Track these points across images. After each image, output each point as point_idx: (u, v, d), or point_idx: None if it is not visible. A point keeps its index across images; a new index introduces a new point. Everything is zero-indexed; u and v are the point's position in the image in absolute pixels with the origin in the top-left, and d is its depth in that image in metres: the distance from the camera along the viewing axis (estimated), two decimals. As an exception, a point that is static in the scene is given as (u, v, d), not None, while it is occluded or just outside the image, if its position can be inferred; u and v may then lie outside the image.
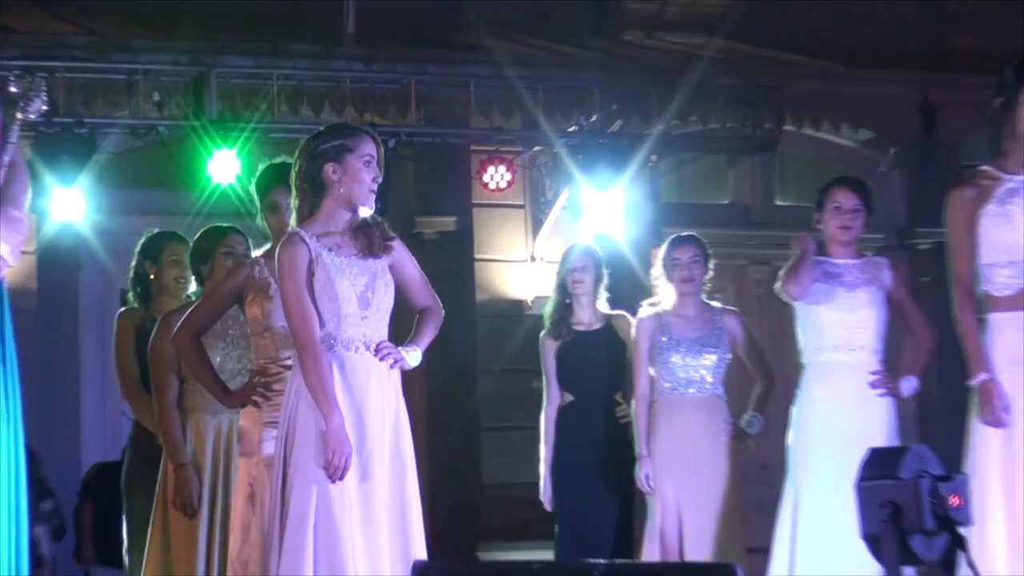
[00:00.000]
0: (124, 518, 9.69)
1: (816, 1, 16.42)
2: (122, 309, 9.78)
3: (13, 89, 4.94)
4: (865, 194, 8.66)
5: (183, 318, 8.16)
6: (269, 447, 7.59)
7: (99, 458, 12.74)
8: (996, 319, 7.33)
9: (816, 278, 8.42)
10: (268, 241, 8.13)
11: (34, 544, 11.22)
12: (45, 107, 5.11)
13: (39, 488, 11.94)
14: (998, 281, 7.35)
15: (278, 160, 8.48)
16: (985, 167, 7.54)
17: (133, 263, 9.63)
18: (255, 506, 7.82)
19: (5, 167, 4.91)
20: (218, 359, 8.36)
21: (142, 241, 9.56)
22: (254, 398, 7.85)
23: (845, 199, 8.54)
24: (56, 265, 13.66)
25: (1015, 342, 7.26)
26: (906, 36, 17.02)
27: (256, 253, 8.29)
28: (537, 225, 15.37)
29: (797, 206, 12.41)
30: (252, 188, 8.54)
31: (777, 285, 8.54)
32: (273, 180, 8.04)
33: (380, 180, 7.01)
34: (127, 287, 9.84)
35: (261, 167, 8.59)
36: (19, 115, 4.93)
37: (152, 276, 9.39)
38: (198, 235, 8.97)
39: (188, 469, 8.58)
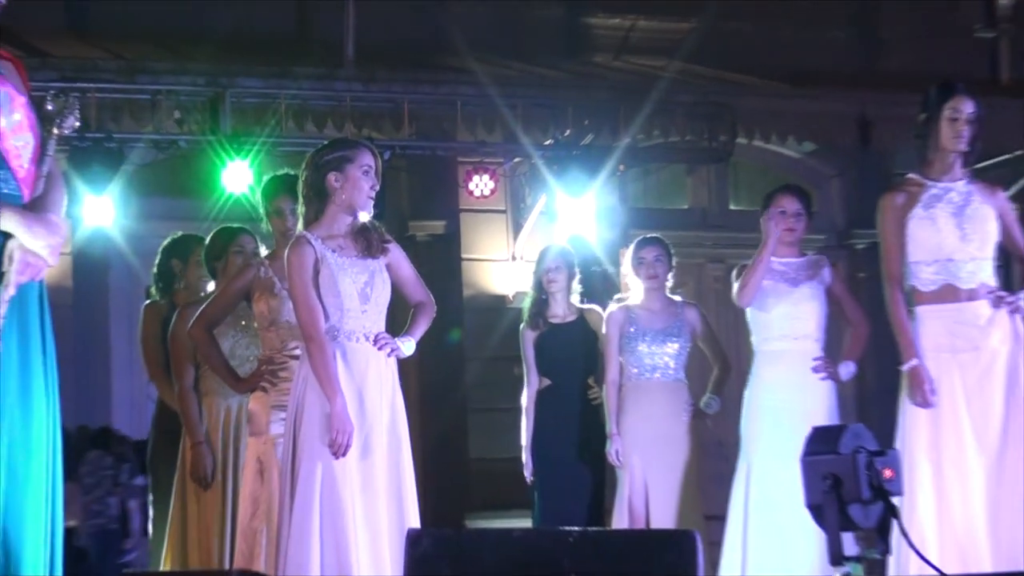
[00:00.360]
0: (150, 489, 9.74)
1: (764, 28, 16.43)
2: (147, 302, 9.80)
3: (49, 107, 4.92)
4: (806, 200, 8.71)
5: (198, 313, 8.24)
6: (276, 427, 7.64)
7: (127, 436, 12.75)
8: (922, 311, 7.39)
9: (763, 277, 8.48)
10: (273, 243, 8.23)
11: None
12: (77, 123, 5.08)
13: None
14: (924, 277, 7.42)
15: (282, 171, 8.54)
16: (912, 175, 7.61)
17: (157, 261, 9.66)
18: (263, 480, 7.86)
19: (44, 177, 4.90)
20: (228, 345, 8.39)
21: (168, 242, 9.59)
22: (262, 384, 7.93)
23: (789, 204, 8.59)
24: (89, 265, 13.65)
25: (939, 332, 7.33)
26: (844, 59, 17.00)
27: (262, 254, 8.36)
28: (517, 228, 15.35)
29: (749, 210, 12.39)
30: (259, 195, 8.61)
31: (733, 292, 8.61)
32: (278, 189, 8.12)
33: (377, 188, 7.05)
34: (151, 283, 9.88)
35: (266, 177, 8.64)
36: (55, 131, 4.91)
37: (177, 273, 9.44)
38: (211, 235, 9.02)
39: (203, 447, 8.64)
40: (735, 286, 8.57)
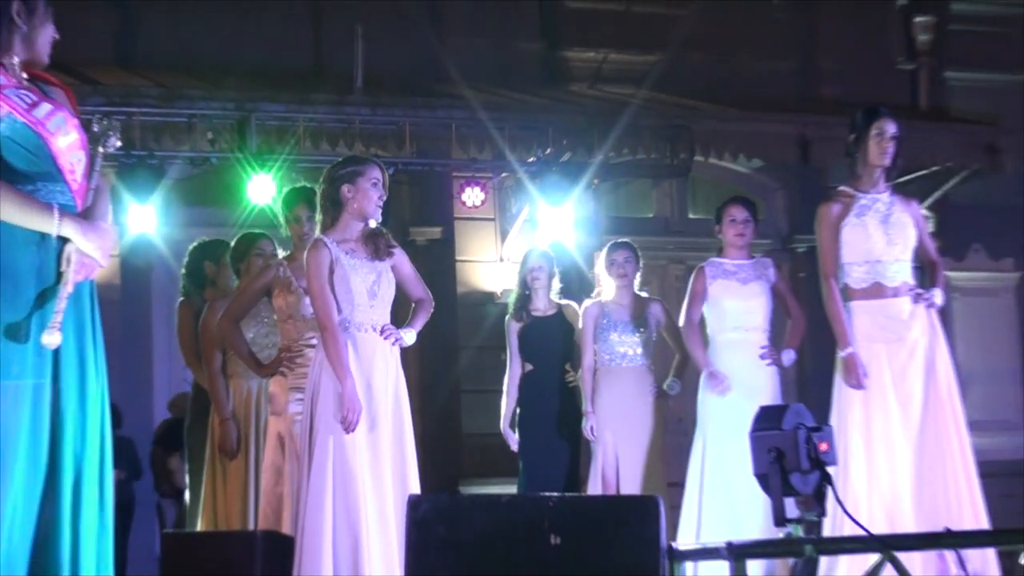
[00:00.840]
0: (186, 461, 9.76)
1: (717, 60, 16.44)
2: (181, 299, 9.86)
3: (95, 128, 4.91)
4: (753, 209, 8.74)
5: (225, 307, 8.33)
6: (294, 407, 7.69)
7: (166, 416, 12.74)
8: (854, 306, 7.43)
9: (717, 275, 8.51)
10: (291, 246, 8.30)
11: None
12: (119, 143, 5.06)
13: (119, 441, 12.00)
14: (856, 277, 7.46)
15: (300, 184, 8.59)
16: (844, 188, 7.64)
17: (187, 262, 9.72)
18: (284, 453, 7.87)
19: (93, 190, 4.90)
20: (251, 335, 8.42)
21: (197, 245, 9.63)
22: (281, 369, 7.99)
23: (738, 213, 8.62)
24: (134, 265, 13.62)
25: (869, 324, 7.37)
26: (786, 87, 17.02)
27: (280, 255, 8.40)
28: (504, 234, 15.34)
29: (705, 218, 12.39)
30: (279, 205, 8.65)
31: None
32: (296, 199, 8.19)
33: (384, 198, 7.08)
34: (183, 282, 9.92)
35: (286, 189, 8.70)
36: (101, 149, 4.91)
37: (207, 273, 9.48)
38: (236, 240, 9.06)
39: (229, 423, 8.70)
40: (689, 293, 8.63)
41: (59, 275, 4.69)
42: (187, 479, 9.71)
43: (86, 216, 4.80)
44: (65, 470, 4.71)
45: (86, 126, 4.92)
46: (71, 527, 4.71)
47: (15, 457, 4.62)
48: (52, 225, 4.66)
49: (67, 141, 4.79)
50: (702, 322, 8.73)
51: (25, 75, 4.84)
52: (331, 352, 6.81)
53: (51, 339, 4.59)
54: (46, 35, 4.91)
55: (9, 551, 4.62)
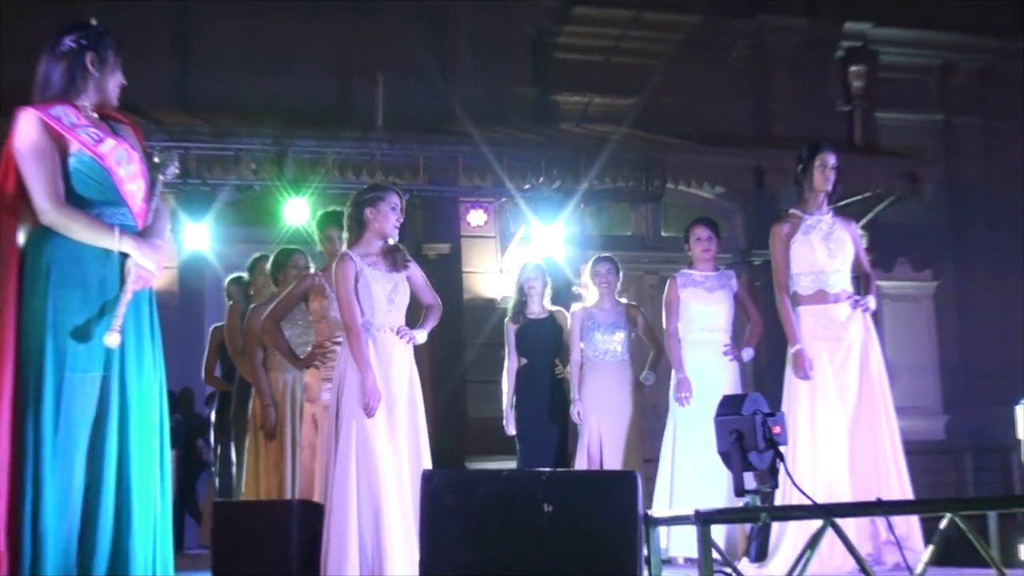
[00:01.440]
0: (232, 440, 9.79)
1: (685, 103, 16.48)
2: (229, 304, 9.98)
3: (156, 159, 4.93)
4: (715, 228, 8.72)
5: (268, 310, 8.37)
6: (325, 395, 7.70)
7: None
8: (802, 310, 7.41)
9: (687, 284, 8.49)
10: (323, 260, 8.34)
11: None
12: (177, 171, 5.09)
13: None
14: (803, 285, 7.43)
15: (330, 208, 8.58)
16: (793, 210, 7.62)
17: (232, 278, 9.81)
18: (318, 434, 7.88)
19: (153, 212, 4.90)
20: (289, 334, 8.39)
21: (251, 261, 9.67)
22: (315, 363, 8.02)
23: (702, 232, 8.59)
24: (189, 276, 13.62)
25: (814, 325, 7.35)
26: (744, 126, 17.06)
27: (313, 269, 8.45)
28: (503, 249, 15.32)
29: (675, 236, 12.36)
30: (313, 225, 8.70)
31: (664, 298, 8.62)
32: (327, 221, 8.26)
33: (401, 220, 7.10)
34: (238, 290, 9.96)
35: (319, 212, 8.72)
36: (161, 176, 4.93)
37: (250, 282, 9.55)
38: (274, 254, 9.11)
39: (269, 408, 8.71)
40: (665, 303, 8.60)
41: (121, 285, 4.71)
42: (232, 456, 9.72)
43: (145, 234, 4.83)
44: (129, 451, 4.72)
45: (148, 158, 4.94)
46: (130, 502, 4.69)
47: (84, 439, 4.61)
48: (113, 243, 4.70)
49: (128, 172, 4.82)
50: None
51: (96, 115, 4.85)
52: (355, 349, 6.82)
53: (111, 340, 4.63)
54: (115, 81, 4.94)
55: (71, 524, 4.60)
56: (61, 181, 4.67)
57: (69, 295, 4.64)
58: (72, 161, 4.70)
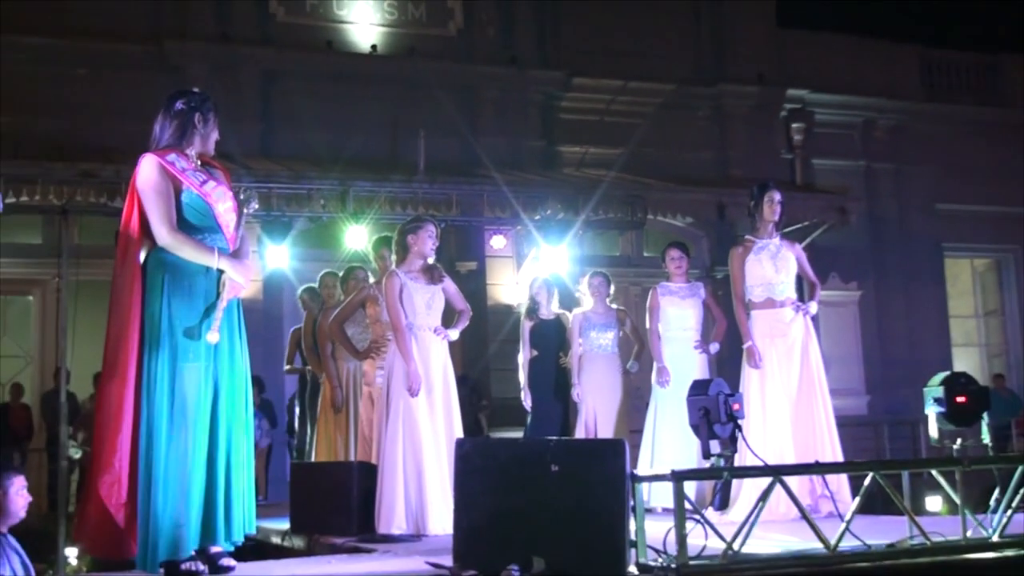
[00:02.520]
0: (308, 416, 9.75)
1: (662, 151, 16.50)
2: (304, 309, 9.96)
3: (240, 197, 4.97)
4: (685, 249, 8.64)
5: (334, 315, 8.38)
6: (379, 380, 7.66)
7: (293, 389, 12.70)
8: (754, 314, 7.34)
9: (665, 294, 8.44)
10: (377, 275, 8.29)
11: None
12: (256, 206, 5.18)
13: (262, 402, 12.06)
14: (755, 294, 7.37)
15: (383, 235, 8.59)
16: (748, 236, 7.56)
17: (305, 288, 9.79)
18: (374, 410, 7.87)
19: (240, 237, 4.93)
20: (351, 332, 8.36)
21: (322, 275, 9.64)
22: (371, 354, 8.01)
23: (675, 253, 8.53)
24: (271, 288, 13.64)
25: (764, 326, 7.30)
26: (708, 168, 17.09)
27: (371, 281, 8.39)
28: (519, 267, 15.35)
29: (654, 256, 12.35)
30: (369, 248, 8.72)
31: (646, 306, 8.57)
32: (380, 244, 8.31)
33: (437, 244, 7.10)
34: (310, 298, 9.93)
35: (374, 238, 8.71)
36: (245, 210, 4.96)
37: (320, 293, 9.53)
38: (343, 272, 9.05)
39: (337, 389, 8.75)
40: (648, 309, 8.54)
41: (218, 294, 4.75)
42: (308, 428, 9.69)
43: (235, 255, 4.91)
44: (220, 429, 4.76)
45: (236, 195, 4.97)
46: (226, 475, 4.71)
47: (193, 415, 4.63)
48: (213, 261, 4.77)
49: (224, 207, 4.89)
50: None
51: (199, 161, 4.87)
52: (400, 344, 6.87)
53: (212, 337, 4.71)
54: (214, 136, 5.02)
55: (189, 498, 4.59)
56: (174, 212, 4.72)
57: (180, 302, 4.70)
58: (183, 197, 4.75)
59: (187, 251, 4.71)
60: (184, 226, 4.74)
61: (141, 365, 4.66)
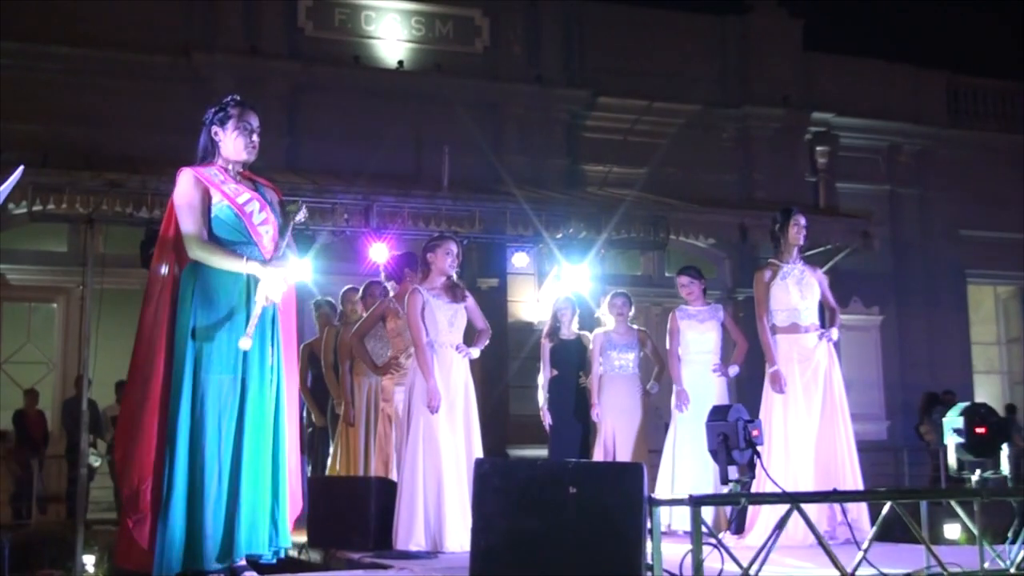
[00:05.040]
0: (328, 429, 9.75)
1: (684, 172, 16.50)
2: (319, 323, 10.01)
3: (288, 208, 5.02)
4: (696, 274, 8.56)
5: (354, 328, 8.37)
6: (398, 396, 7.69)
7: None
8: (779, 338, 7.31)
9: (684, 317, 8.42)
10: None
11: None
12: (306, 216, 5.18)
13: None
14: (780, 318, 7.35)
15: (404, 251, 8.60)
16: (772, 260, 7.54)
17: (318, 302, 9.84)
18: (391, 425, 7.89)
19: (284, 246, 4.95)
20: (371, 347, 8.35)
21: (344, 290, 9.64)
22: (391, 370, 8.01)
23: (684, 280, 8.50)
24: (296, 300, 13.66)
25: (788, 351, 7.27)
26: (731, 191, 17.07)
27: (391, 295, 8.40)
28: (540, 285, 15.35)
29: (675, 277, 12.33)
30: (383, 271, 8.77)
31: (668, 327, 8.55)
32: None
33: (460, 260, 7.16)
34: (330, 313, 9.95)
35: (396, 253, 8.72)
36: (292, 220, 5.02)
37: (342, 307, 9.54)
38: (362, 287, 9.07)
39: (350, 406, 8.73)
40: (668, 332, 8.52)
41: (249, 304, 4.78)
42: (331, 440, 9.69)
43: (270, 264, 4.86)
44: (245, 440, 4.75)
45: (282, 206, 5.03)
46: (240, 482, 4.70)
47: (214, 427, 4.63)
48: (242, 267, 4.78)
49: (259, 218, 4.91)
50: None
51: (239, 175, 4.94)
52: (421, 361, 6.87)
53: (244, 343, 4.72)
54: (242, 140, 4.98)
55: (216, 504, 4.60)
56: (205, 225, 4.76)
57: (208, 314, 4.71)
58: (215, 210, 4.80)
59: (216, 259, 4.74)
60: (216, 238, 4.78)
61: (168, 376, 4.68)
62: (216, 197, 4.79)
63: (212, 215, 4.78)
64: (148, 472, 4.65)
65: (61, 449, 13.55)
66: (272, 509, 4.79)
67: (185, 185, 4.79)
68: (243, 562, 4.71)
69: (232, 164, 4.94)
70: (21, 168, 4.57)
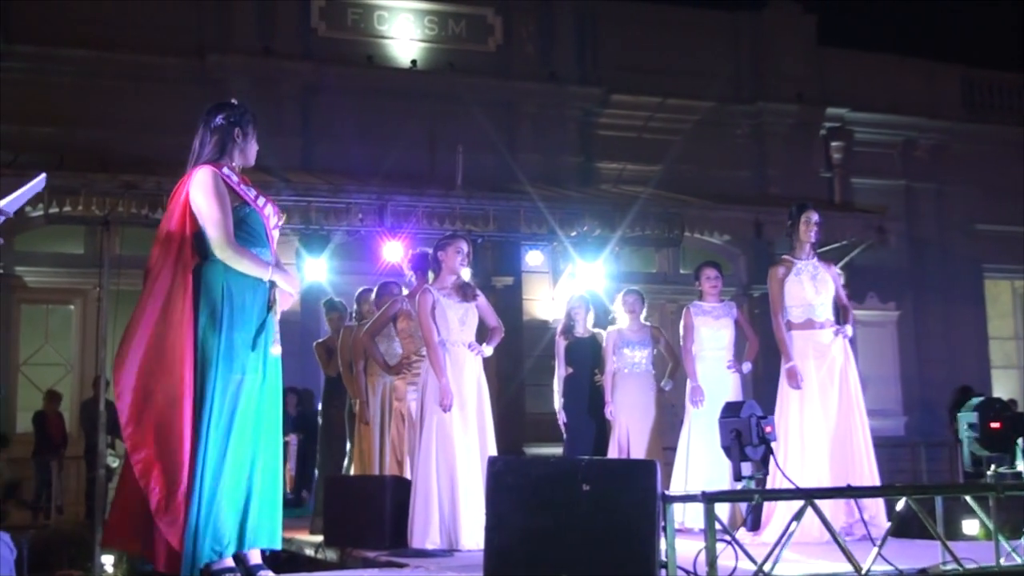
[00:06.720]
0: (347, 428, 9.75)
1: (698, 168, 16.47)
2: (333, 323, 9.93)
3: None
4: (719, 268, 8.62)
5: (366, 328, 8.38)
6: (411, 395, 7.70)
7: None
8: (794, 334, 7.27)
9: (699, 313, 8.41)
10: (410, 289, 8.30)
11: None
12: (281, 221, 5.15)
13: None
14: (795, 315, 7.32)
15: (419, 249, 8.60)
16: (786, 256, 7.52)
17: (327, 304, 9.83)
18: (405, 425, 7.89)
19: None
20: (383, 347, 8.36)
21: (359, 292, 9.65)
22: (403, 370, 8.04)
23: (711, 272, 8.52)
24: (309, 301, 13.64)
25: (804, 347, 7.22)
26: (746, 187, 17.03)
27: (405, 294, 8.41)
28: (555, 283, 15.36)
29: (691, 274, 12.31)
30: (406, 263, 8.73)
31: (680, 327, 8.53)
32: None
33: (470, 259, 7.22)
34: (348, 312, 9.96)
35: (421, 249, 8.72)
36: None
37: (357, 308, 9.53)
38: (376, 287, 9.06)
39: (365, 404, 8.67)
40: (682, 328, 8.51)
41: (269, 307, 4.76)
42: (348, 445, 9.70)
43: (279, 267, 4.85)
44: (261, 439, 4.73)
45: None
46: (261, 483, 4.71)
47: (239, 427, 4.61)
48: (267, 274, 4.74)
49: (273, 222, 4.91)
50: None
51: (241, 178, 4.91)
52: (433, 360, 6.89)
53: (276, 349, 4.74)
54: (253, 149, 4.97)
55: (238, 500, 4.61)
56: (232, 225, 4.69)
57: (233, 314, 4.65)
58: (240, 213, 4.74)
59: (246, 264, 4.66)
60: (238, 240, 4.76)
61: (196, 378, 4.62)
62: (238, 201, 4.76)
63: (237, 217, 4.74)
64: (182, 474, 4.59)
65: (79, 450, 13.60)
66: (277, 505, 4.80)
67: (212, 184, 4.68)
68: (259, 560, 4.71)
69: (239, 168, 4.93)
70: (43, 176, 4.50)
